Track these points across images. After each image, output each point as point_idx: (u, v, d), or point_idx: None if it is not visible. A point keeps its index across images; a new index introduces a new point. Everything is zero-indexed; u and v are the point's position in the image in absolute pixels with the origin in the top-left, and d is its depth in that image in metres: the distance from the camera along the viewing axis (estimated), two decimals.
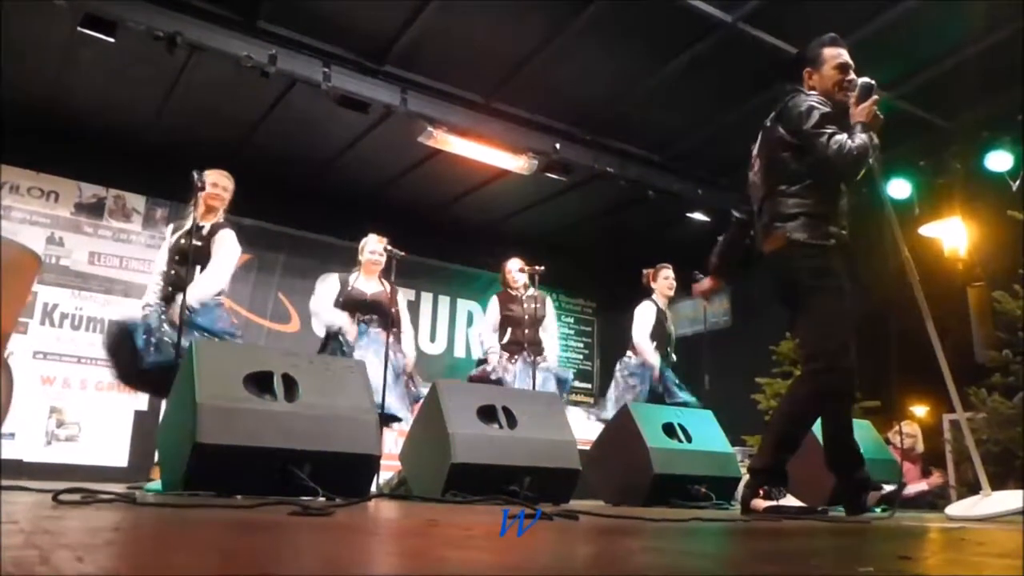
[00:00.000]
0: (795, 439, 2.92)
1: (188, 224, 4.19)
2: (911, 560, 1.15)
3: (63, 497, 1.80)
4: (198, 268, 4.11)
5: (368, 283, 4.98)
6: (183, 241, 4.15)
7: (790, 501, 2.82)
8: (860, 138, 2.84)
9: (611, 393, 5.58)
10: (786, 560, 1.18)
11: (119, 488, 3.21)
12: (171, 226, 4.45)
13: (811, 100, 2.99)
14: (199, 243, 4.14)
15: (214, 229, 4.27)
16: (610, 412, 5.22)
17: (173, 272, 4.15)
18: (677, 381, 5.54)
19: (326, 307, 4.92)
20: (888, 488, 2.95)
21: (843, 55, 3.10)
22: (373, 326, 4.85)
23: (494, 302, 5.65)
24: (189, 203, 4.30)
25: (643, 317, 5.60)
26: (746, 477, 3.05)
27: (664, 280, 5.71)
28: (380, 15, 5.49)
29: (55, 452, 6.36)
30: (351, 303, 4.89)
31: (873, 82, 2.97)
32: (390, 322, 4.81)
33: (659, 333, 5.59)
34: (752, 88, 6.03)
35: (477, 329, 5.79)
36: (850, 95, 2.98)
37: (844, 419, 3.01)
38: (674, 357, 5.74)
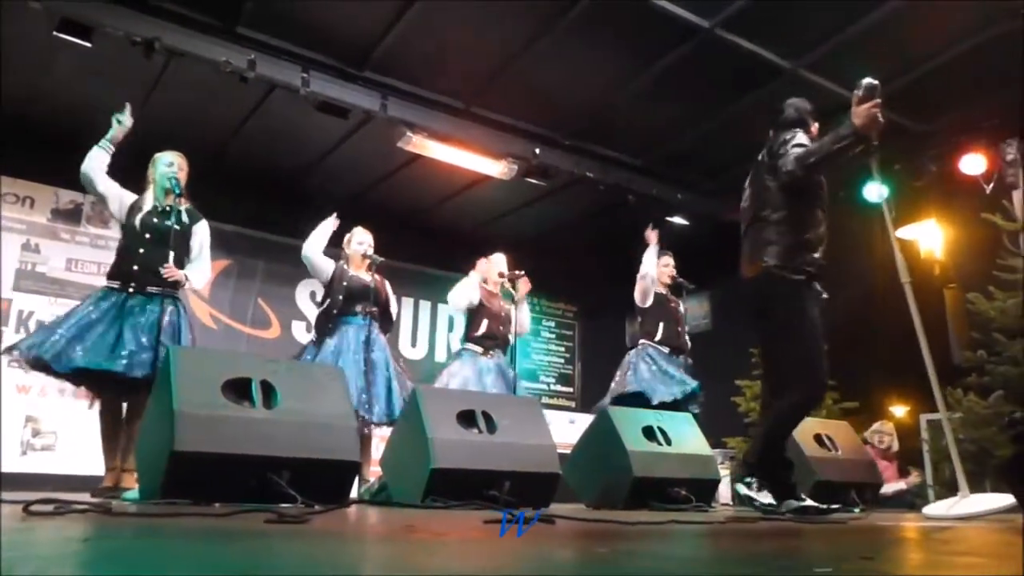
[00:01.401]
0: (782, 441, 3.15)
1: (148, 207, 4.05)
2: (872, 560, 1.17)
3: (35, 508, 1.77)
4: (172, 254, 3.96)
5: (361, 274, 4.91)
6: (155, 220, 4.01)
7: (765, 496, 2.91)
8: (818, 144, 3.01)
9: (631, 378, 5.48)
10: (754, 562, 1.19)
11: (95, 498, 3.18)
12: (132, 198, 4.10)
13: (801, 134, 3.17)
14: (178, 227, 4.03)
15: (191, 215, 4.17)
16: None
17: (142, 251, 3.94)
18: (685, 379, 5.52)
19: (318, 249, 4.84)
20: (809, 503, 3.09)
21: None
22: (375, 319, 4.81)
23: (475, 282, 5.43)
24: (148, 186, 4.13)
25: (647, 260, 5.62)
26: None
27: (664, 268, 5.71)
28: (360, 21, 5.49)
29: (31, 462, 6.29)
30: (356, 291, 4.79)
31: (876, 82, 2.99)
32: (388, 315, 4.92)
33: (665, 314, 5.59)
34: (730, 93, 6.09)
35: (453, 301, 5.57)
36: (856, 93, 3.02)
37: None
38: (688, 343, 5.72)
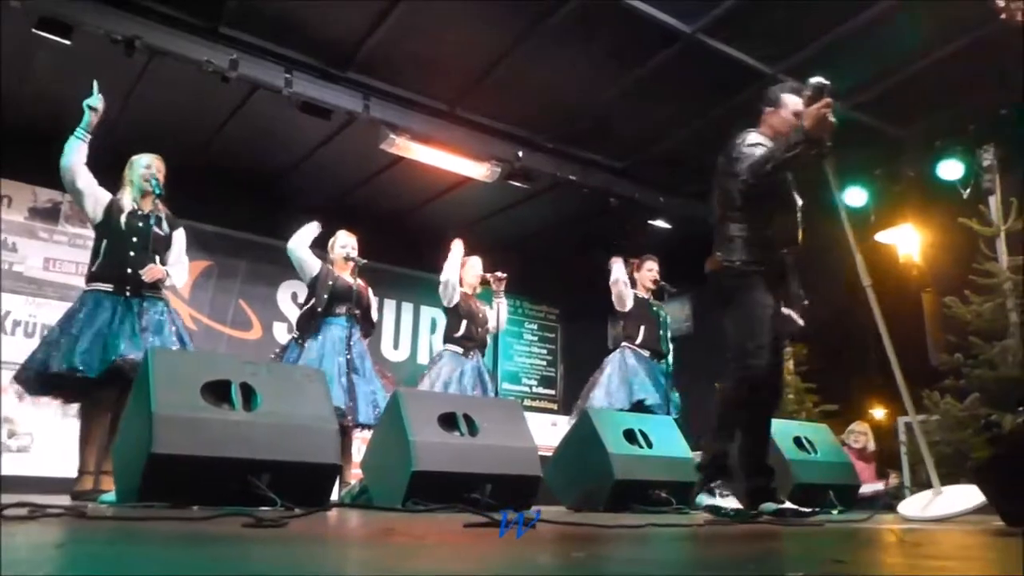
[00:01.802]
0: (729, 431, 3.13)
1: (128, 208, 4.03)
2: (844, 563, 1.18)
3: (8, 512, 1.75)
4: (157, 257, 4.02)
5: (346, 276, 4.92)
6: (140, 224, 4.00)
7: (731, 502, 2.91)
8: (763, 149, 3.01)
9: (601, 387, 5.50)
10: (726, 565, 1.20)
11: (76, 501, 3.15)
12: (110, 197, 4.06)
13: (751, 133, 3.17)
14: (162, 232, 4.08)
15: (171, 221, 4.20)
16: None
17: (132, 254, 3.94)
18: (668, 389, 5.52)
19: (304, 244, 4.84)
20: (788, 505, 3.08)
21: (801, 105, 3.15)
22: (356, 321, 4.83)
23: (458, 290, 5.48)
24: (124, 187, 4.10)
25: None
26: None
27: (648, 272, 5.74)
28: (343, 22, 5.48)
29: (6, 464, 6.20)
30: (340, 292, 4.81)
31: (826, 82, 2.95)
32: (369, 319, 4.99)
33: (647, 317, 5.61)
34: (712, 97, 6.12)
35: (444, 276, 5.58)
36: (805, 92, 3.02)
37: (763, 425, 3.27)
38: (670, 348, 5.73)
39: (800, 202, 3.32)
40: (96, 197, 4.02)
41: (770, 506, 3.05)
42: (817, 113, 2.87)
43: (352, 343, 4.74)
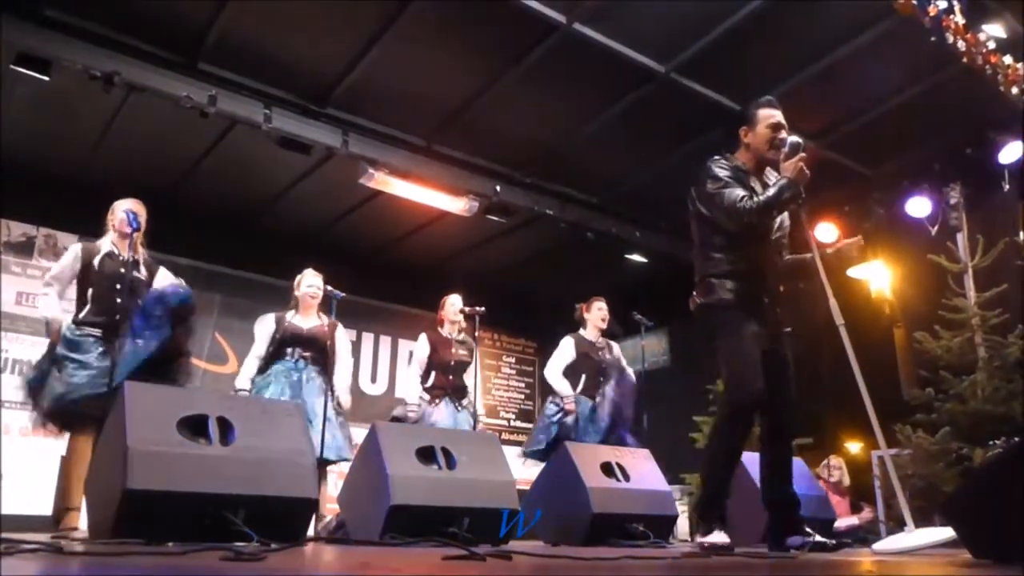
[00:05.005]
0: (726, 466, 3.09)
1: (106, 249, 4.04)
2: None
3: None
4: (140, 302, 4.00)
5: (305, 319, 4.90)
6: (122, 271, 3.96)
7: (718, 537, 2.90)
8: (764, 196, 3.06)
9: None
10: None
11: (45, 537, 3.10)
12: (79, 247, 4.10)
13: (716, 164, 3.21)
14: (141, 276, 4.06)
15: (150, 264, 4.18)
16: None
17: (119, 301, 3.88)
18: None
19: (248, 364, 4.87)
20: (816, 539, 3.06)
21: (776, 116, 3.27)
22: (311, 363, 4.80)
23: (423, 342, 5.48)
24: (107, 233, 4.13)
25: (558, 352, 5.55)
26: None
27: (598, 312, 5.60)
28: (322, 58, 5.54)
29: None
30: (288, 338, 4.79)
31: (801, 141, 3.16)
32: (328, 358, 4.85)
33: (587, 365, 5.52)
34: (686, 134, 6.24)
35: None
36: (783, 150, 3.15)
37: (782, 457, 3.25)
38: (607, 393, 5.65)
39: (779, 231, 3.32)
40: (72, 267, 4.04)
41: (796, 540, 3.05)
42: (796, 165, 3.07)
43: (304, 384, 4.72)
